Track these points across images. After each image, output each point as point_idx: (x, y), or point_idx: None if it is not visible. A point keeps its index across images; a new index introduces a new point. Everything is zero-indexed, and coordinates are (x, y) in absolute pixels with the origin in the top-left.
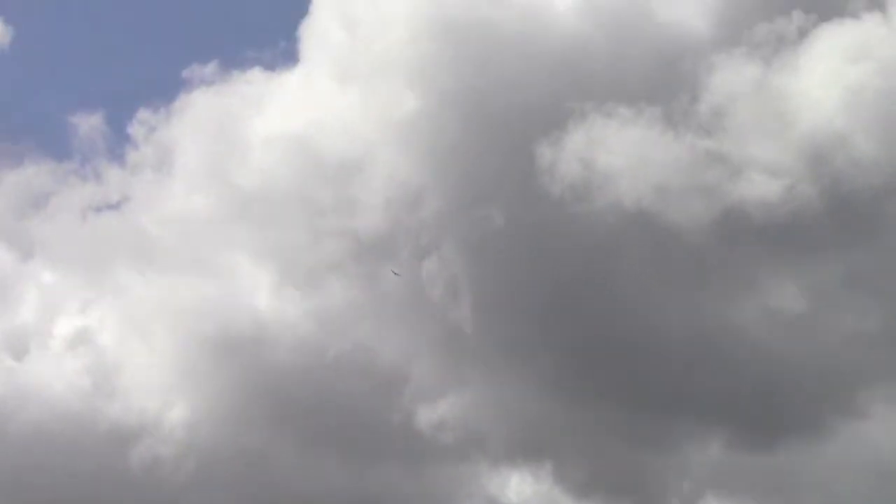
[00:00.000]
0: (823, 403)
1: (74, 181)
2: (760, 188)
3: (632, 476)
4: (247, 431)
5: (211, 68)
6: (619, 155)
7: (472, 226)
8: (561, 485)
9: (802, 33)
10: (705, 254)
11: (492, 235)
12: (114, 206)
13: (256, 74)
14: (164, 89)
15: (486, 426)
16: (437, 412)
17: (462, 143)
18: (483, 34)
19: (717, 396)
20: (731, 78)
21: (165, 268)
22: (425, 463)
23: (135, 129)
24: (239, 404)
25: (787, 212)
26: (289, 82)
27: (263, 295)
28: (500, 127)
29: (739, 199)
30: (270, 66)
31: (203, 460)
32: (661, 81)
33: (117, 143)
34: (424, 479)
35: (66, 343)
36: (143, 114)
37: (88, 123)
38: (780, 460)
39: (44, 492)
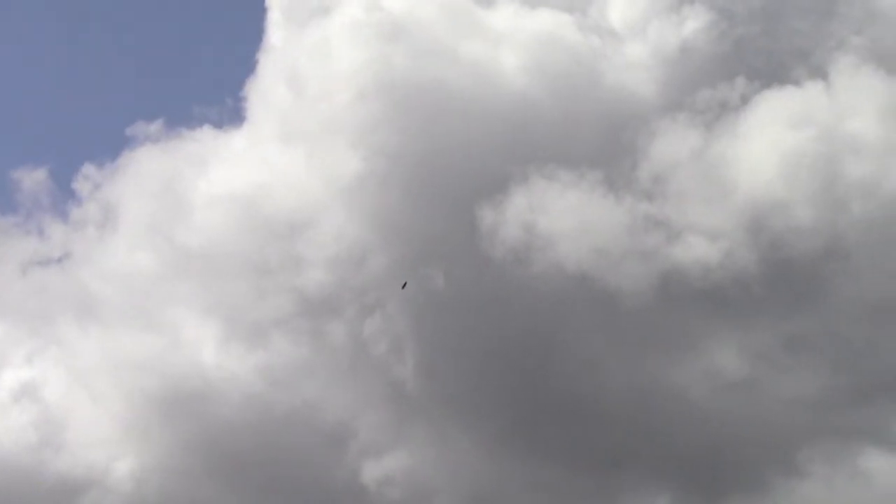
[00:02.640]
0: (765, 463)
1: (17, 235)
2: (700, 252)
3: None
4: (193, 485)
5: (156, 126)
6: (560, 218)
7: (416, 286)
8: None
9: (745, 100)
10: (646, 316)
11: (435, 296)
12: (57, 261)
13: (202, 133)
14: (108, 146)
15: (432, 482)
16: (382, 468)
17: (406, 205)
18: (430, 94)
19: (662, 456)
20: (673, 144)
21: (109, 323)
22: None
23: (79, 186)
24: (185, 458)
25: (726, 276)
26: (235, 141)
27: (209, 350)
28: (443, 189)
29: (679, 263)
30: (217, 125)
31: None
32: (603, 146)
33: (61, 199)
34: None
35: (11, 396)
36: (88, 170)
37: (32, 179)
38: None
39: None
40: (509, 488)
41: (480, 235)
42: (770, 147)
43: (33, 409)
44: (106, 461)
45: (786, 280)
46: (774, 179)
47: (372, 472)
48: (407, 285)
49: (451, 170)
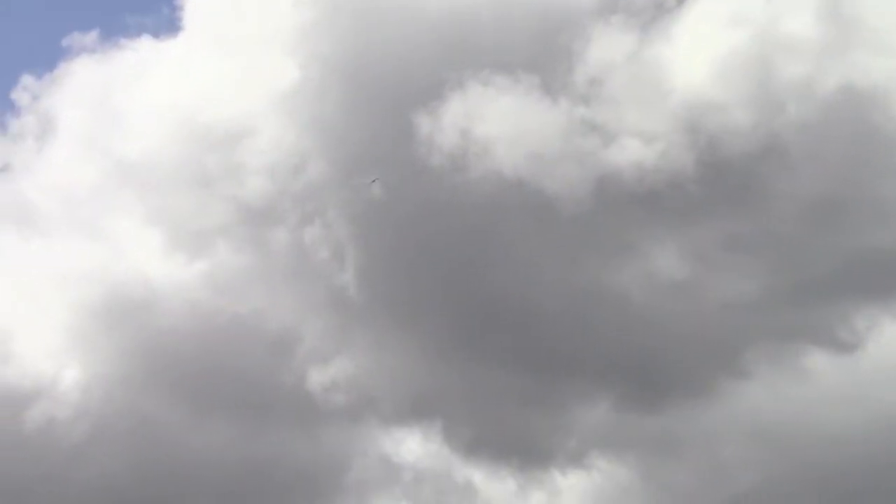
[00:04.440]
0: (708, 365)
1: None
2: (636, 155)
3: (519, 434)
4: (140, 393)
5: (91, 37)
6: (496, 124)
7: (354, 193)
8: (450, 443)
9: (681, 1)
10: (584, 219)
11: (373, 202)
12: None
13: (138, 43)
14: (44, 58)
15: (377, 387)
16: (328, 374)
17: (343, 112)
18: (364, 0)
19: (604, 359)
20: (608, 46)
21: (51, 234)
22: (317, 424)
23: (17, 97)
24: (131, 366)
25: (663, 178)
26: (171, 51)
27: (152, 259)
28: (379, 96)
29: (615, 166)
30: (153, 34)
31: (97, 422)
32: (539, 50)
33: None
34: (317, 440)
35: None
36: (25, 82)
37: None
38: (665, 420)
39: None
40: (451, 393)
41: (417, 142)
42: (706, 48)
43: None
44: (53, 371)
45: (723, 180)
46: (710, 80)
47: (317, 377)
48: (375, 182)
49: (386, 77)
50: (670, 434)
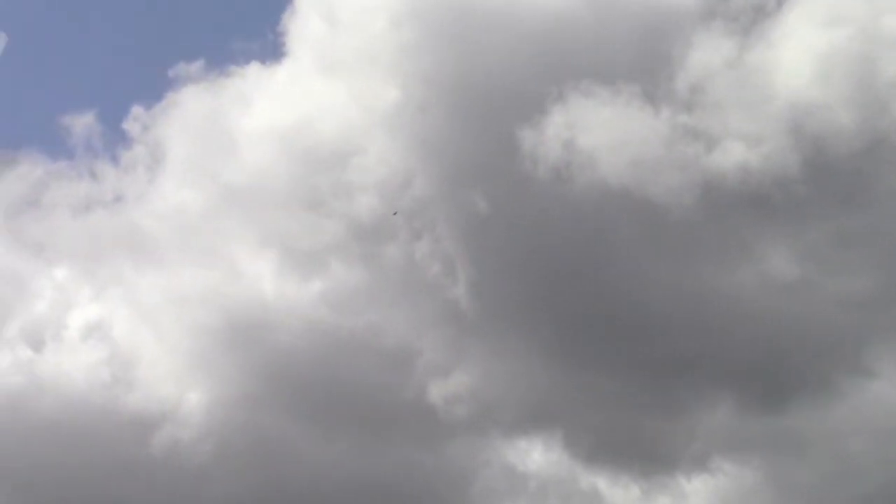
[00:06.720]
0: (829, 363)
1: (71, 179)
2: (740, 158)
3: (640, 440)
4: (261, 413)
5: (197, 66)
6: (599, 134)
7: (461, 208)
8: (571, 451)
9: (780, 4)
10: (692, 224)
11: (480, 216)
12: (110, 203)
13: (244, 70)
14: (150, 90)
15: (497, 397)
16: (448, 387)
17: (447, 128)
18: (463, 18)
19: (722, 361)
20: (709, 52)
21: (165, 262)
22: (440, 437)
23: (128, 127)
24: (252, 387)
25: (768, 179)
26: (276, 76)
27: (267, 281)
28: (482, 111)
29: (720, 170)
30: (258, 61)
31: (220, 442)
32: (639, 59)
33: (111, 142)
34: (441, 453)
35: (80, 336)
36: (135, 113)
37: (81, 123)
38: (788, 421)
39: (68, 482)
40: (570, 401)
41: (521, 155)
42: (807, 49)
43: (103, 349)
44: (176, 395)
45: (829, 179)
46: (812, 81)
47: (438, 391)
48: (397, 214)
49: (488, 92)
50: (795, 434)
